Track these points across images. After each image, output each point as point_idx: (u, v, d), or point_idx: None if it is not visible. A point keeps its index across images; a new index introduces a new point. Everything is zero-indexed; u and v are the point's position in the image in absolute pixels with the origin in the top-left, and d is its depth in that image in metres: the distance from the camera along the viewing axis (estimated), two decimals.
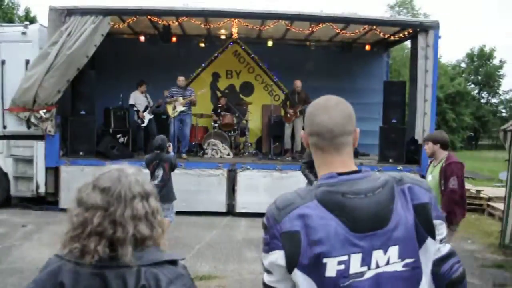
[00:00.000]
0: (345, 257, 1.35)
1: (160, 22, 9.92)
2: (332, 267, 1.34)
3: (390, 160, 9.41)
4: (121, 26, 9.77)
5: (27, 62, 8.76)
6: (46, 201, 8.90)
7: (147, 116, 10.09)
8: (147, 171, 6.31)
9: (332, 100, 1.54)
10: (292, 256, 1.38)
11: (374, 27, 9.90)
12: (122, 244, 1.32)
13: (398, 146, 9.55)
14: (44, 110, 8.60)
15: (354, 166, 1.51)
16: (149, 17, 9.54)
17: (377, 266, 1.37)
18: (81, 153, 8.96)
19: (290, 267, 1.39)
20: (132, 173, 1.44)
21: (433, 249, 1.47)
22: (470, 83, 38.83)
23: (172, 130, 9.68)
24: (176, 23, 10.02)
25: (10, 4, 24.30)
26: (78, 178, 8.57)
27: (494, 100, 40.99)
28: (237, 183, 8.88)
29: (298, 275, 1.38)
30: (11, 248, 6.46)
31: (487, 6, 60.63)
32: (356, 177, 1.45)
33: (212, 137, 10.29)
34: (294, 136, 10.42)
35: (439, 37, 9.31)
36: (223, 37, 11.45)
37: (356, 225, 1.36)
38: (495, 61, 38.74)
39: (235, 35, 10.54)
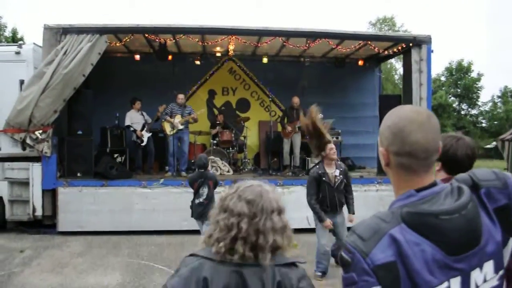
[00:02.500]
0: (445, 284, 1.24)
1: (156, 40, 9.85)
2: None
3: None
4: (117, 44, 9.67)
5: (22, 82, 8.59)
6: (43, 225, 8.64)
7: (146, 135, 9.96)
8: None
9: (423, 113, 1.37)
10: None
11: (369, 42, 10.03)
12: (262, 250, 1.55)
13: None
14: (40, 131, 8.41)
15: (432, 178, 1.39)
16: (146, 35, 9.46)
17: (476, 287, 1.29)
18: (78, 174, 8.76)
19: None
20: (271, 190, 1.66)
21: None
22: (450, 95, 39.67)
23: (171, 148, 9.57)
24: (173, 40, 9.97)
25: None
26: (76, 199, 8.43)
27: (473, 111, 41.90)
28: None
29: None
30: (11, 276, 6.21)
31: (463, 21, 62.45)
32: (435, 191, 1.33)
33: (212, 154, 10.19)
34: (293, 152, 10.44)
35: (432, 51, 9.50)
36: (218, 54, 11.43)
37: (451, 248, 1.25)
38: (473, 74, 39.71)
39: (231, 52, 10.55)
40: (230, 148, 10.71)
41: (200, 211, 6.48)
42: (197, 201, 6.50)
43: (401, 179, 1.39)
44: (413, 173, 1.36)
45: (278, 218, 1.60)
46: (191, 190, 8.55)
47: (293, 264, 1.60)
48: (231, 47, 10.27)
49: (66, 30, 8.61)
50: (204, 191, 6.45)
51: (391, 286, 1.22)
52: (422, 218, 1.26)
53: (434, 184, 1.35)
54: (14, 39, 21.33)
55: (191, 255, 1.64)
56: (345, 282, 1.28)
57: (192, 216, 6.72)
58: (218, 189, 6.68)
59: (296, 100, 10.40)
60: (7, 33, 24.30)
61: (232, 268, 1.54)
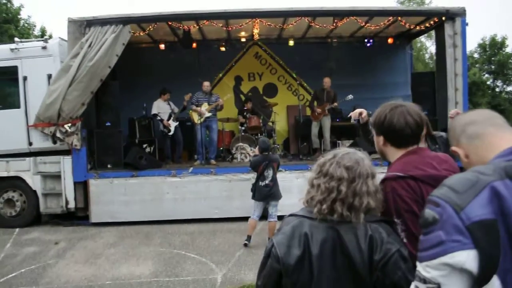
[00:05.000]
0: None
1: (180, 28, 9.72)
2: None
3: None
4: (141, 34, 9.61)
5: (49, 76, 8.62)
6: (76, 216, 8.72)
7: (173, 124, 9.92)
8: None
9: None
10: (491, 257, 0.99)
11: (399, 18, 9.63)
12: (357, 211, 1.68)
13: (432, 137, 9.21)
14: (69, 124, 8.44)
15: None
16: (169, 23, 9.35)
17: None
18: (109, 166, 8.78)
19: (486, 274, 1.00)
20: (366, 157, 1.80)
21: None
22: (484, 72, 38.34)
23: (199, 136, 9.48)
24: (197, 27, 9.84)
25: (26, 25, 24.47)
26: (108, 191, 8.47)
27: (509, 88, 40.36)
28: None
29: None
30: (46, 268, 6.28)
31: None
32: None
33: (240, 141, 10.08)
34: (322, 135, 10.17)
35: (467, 24, 9.03)
36: (243, 39, 11.25)
37: None
38: (508, 49, 38.20)
39: (256, 36, 10.32)
40: (259, 134, 10.55)
41: (266, 193, 6.65)
42: (262, 183, 6.63)
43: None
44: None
45: (372, 183, 1.74)
46: (221, 178, 8.60)
47: (382, 221, 1.73)
48: (255, 31, 10.05)
49: (90, 22, 8.57)
50: (269, 173, 6.60)
51: (489, 251, 1.00)
52: None
53: None
54: (43, 37, 21.68)
55: (291, 215, 1.83)
56: (427, 243, 1.08)
57: (253, 198, 6.84)
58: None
59: (327, 80, 10.10)
60: (36, 31, 24.79)
61: (328, 224, 1.70)
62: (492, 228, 1.00)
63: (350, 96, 9.82)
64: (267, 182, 6.60)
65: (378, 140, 2.00)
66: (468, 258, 1.01)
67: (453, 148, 1.42)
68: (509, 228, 1.00)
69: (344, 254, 1.67)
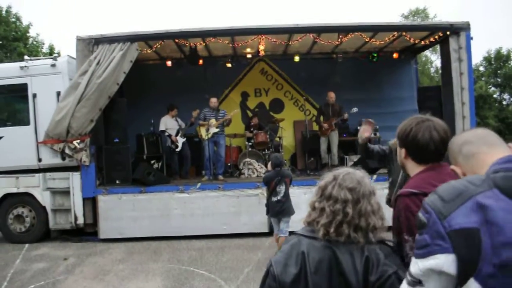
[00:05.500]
0: None
1: (187, 45, 9.85)
2: None
3: None
4: (148, 51, 9.74)
5: (58, 94, 8.75)
6: (85, 232, 8.76)
7: (180, 140, 9.98)
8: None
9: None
10: (468, 262, 1.08)
11: (404, 33, 9.69)
12: (364, 231, 1.70)
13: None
14: (78, 141, 8.53)
15: None
16: (176, 40, 9.48)
17: None
18: (117, 182, 8.86)
19: (463, 276, 1.10)
20: (365, 175, 1.82)
21: None
22: (490, 85, 38.25)
23: (206, 152, 9.51)
24: (203, 44, 9.96)
25: (35, 42, 24.82)
26: (116, 206, 8.51)
27: None
28: None
29: None
30: (55, 284, 6.29)
31: (497, 8, 60.13)
32: None
33: (247, 157, 10.12)
34: (330, 150, 10.19)
35: (471, 38, 9.07)
36: (249, 55, 11.36)
37: None
38: None
39: (262, 53, 10.42)
40: (266, 150, 10.59)
41: (278, 209, 6.63)
42: (274, 199, 6.63)
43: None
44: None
45: (374, 201, 1.77)
46: (229, 194, 8.62)
47: (381, 242, 1.73)
48: (261, 47, 10.14)
49: (98, 40, 8.72)
50: (281, 189, 6.60)
51: (467, 257, 1.09)
52: None
53: None
54: (52, 55, 21.95)
55: (292, 233, 1.87)
56: (417, 244, 1.21)
57: (267, 214, 6.92)
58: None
59: (331, 95, 10.14)
60: (45, 49, 25.12)
61: (325, 244, 1.72)
62: (472, 235, 1.09)
63: (355, 109, 9.85)
64: (279, 197, 6.61)
65: (401, 152, 1.98)
66: (446, 261, 1.12)
67: (452, 167, 1.50)
68: (494, 237, 1.07)
69: (340, 274, 1.68)
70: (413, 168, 1.96)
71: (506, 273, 1.06)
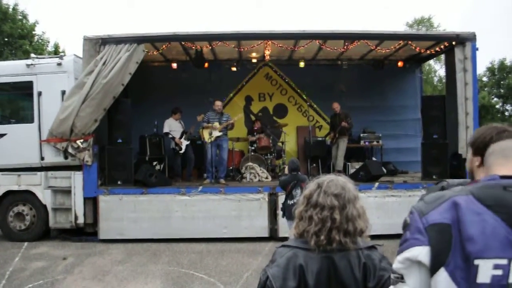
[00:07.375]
0: (503, 261, 1.16)
1: (193, 48, 9.86)
2: (485, 271, 1.16)
3: (434, 177, 9.01)
4: (154, 53, 9.75)
5: (63, 92, 8.75)
6: (85, 232, 8.75)
7: (184, 142, 9.99)
8: None
9: None
10: (440, 253, 1.20)
11: (409, 42, 9.70)
12: (352, 235, 1.74)
13: (441, 162, 9.17)
14: (81, 140, 8.53)
15: None
16: (182, 42, 9.49)
17: None
18: (119, 182, 8.83)
19: (435, 266, 1.21)
20: (348, 180, 1.86)
21: None
22: (493, 96, 38.27)
23: (209, 155, 9.51)
24: (209, 47, 9.98)
25: (40, 40, 24.88)
26: (117, 207, 8.49)
27: None
28: (278, 207, 8.60)
29: (441, 278, 1.20)
30: (54, 283, 6.27)
31: (502, 19, 60.11)
32: None
33: (250, 161, 10.11)
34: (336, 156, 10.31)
35: (477, 49, 9.07)
36: (254, 60, 11.37)
37: None
38: None
39: (267, 57, 10.44)
40: (268, 154, 10.59)
41: (293, 212, 6.57)
42: (290, 202, 6.68)
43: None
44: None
45: (359, 205, 1.80)
46: (230, 197, 8.61)
47: (373, 247, 1.78)
48: (267, 52, 10.16)
49: (105, 41, 8.73)
50: (297, 192, 6.63)
51: (440, 249, 1.21)
52: (489, 189, 1.25)
53: None
54: (56, 53, 22.02)
55: (283, 245, 1.84)
56: (400, 242, 1.31)
57: (283, 217, 6.98)
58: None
59: (335, 105, 10.31)
60: (50, 47, 25.16)
61: (322, 254, 1.73)
62: (444, 230, 1.21)
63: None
64: (294, 201, 6.59)
65: (474, 160, 1.81)
66: (422, 252, 1.23)
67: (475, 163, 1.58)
68: (461, 233, 1.19)
69: (339, 283, 1.70)
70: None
71: (467, 265, 1.18)
